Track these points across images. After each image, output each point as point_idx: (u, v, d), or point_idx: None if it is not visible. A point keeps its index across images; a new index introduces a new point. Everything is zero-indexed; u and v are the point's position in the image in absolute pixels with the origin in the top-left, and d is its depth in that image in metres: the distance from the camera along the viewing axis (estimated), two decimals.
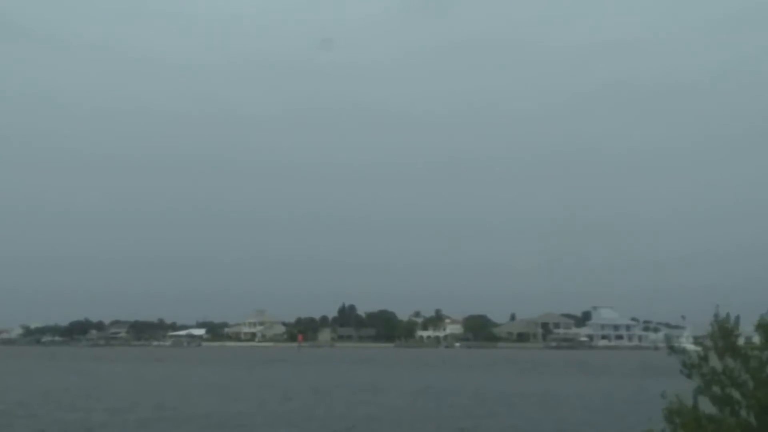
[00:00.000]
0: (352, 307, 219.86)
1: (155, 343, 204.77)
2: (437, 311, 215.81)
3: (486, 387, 58.89)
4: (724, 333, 9.71)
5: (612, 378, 72.85)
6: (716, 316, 9.92)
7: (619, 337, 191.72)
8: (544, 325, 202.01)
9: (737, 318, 9.93)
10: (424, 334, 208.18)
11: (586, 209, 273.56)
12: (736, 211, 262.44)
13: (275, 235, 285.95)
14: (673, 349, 10.19)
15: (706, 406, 9.34)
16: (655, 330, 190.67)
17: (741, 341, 9.76)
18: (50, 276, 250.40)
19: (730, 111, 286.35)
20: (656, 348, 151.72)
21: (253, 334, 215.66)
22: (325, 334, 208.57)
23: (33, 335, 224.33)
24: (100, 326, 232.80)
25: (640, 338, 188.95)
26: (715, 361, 9.55)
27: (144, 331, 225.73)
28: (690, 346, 10.37)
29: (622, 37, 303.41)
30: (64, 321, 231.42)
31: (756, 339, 9.67)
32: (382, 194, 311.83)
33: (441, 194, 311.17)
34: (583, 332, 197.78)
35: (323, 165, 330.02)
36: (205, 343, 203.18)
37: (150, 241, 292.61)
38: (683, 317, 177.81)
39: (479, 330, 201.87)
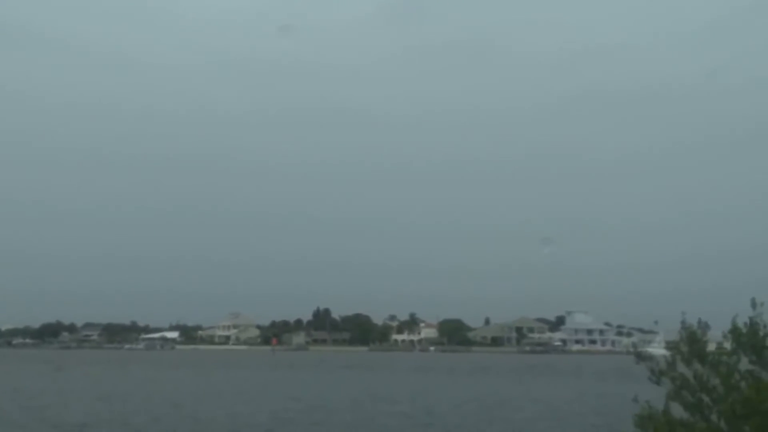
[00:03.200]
0: (326, 311, 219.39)
1: (128, 346, 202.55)
2: (412, 315, 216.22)
3: (469, 393, 58.94)
4: (691, 339, 9.79)
5: (585, 382, 73.22)
6: (683, 322, 10.00)
7: (593, 342, 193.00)
8: (519, 330, 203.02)
9: (704, 324, 10.02)
10: (399, 337, 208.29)
11: (561, 214, 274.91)
12: (713, 216, 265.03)
13: (250, 236, 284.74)
14: (640, 357, 10.25)
15: (677, 412, 9.40)
16: (629, 334, 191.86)
17: (712, 347, 9.85)
18: (21, 277, 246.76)
19: (715, 115, 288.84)
20: (629, 352, 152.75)
21: (227, 337, 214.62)
22: (299, 338, 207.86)
23: (3, 337, 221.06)
24: (72, 328, 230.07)
25: (613, 343, 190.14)
26: (683, 367, 9.63)
27: (117, 333, 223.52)
28: (662, 351, 10.43)
29: (606, 40, 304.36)
30: (35, 323, 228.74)
31: (727, 345, 9.76)
32: (358, 196, 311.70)
33: (417, 197, 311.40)
34: (557, 336, 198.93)
35: (300, 165, 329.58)
36: (178, 346, 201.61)
37: (123, 242, 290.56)
38: (656, 322, 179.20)
39: (454, 334, 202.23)
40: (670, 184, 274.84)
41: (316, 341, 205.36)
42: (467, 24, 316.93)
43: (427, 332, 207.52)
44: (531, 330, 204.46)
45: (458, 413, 42.07)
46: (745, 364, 9.39)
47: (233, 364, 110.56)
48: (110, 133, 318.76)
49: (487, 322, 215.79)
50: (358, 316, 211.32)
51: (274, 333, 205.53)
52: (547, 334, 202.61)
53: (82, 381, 69.45)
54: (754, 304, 9.51)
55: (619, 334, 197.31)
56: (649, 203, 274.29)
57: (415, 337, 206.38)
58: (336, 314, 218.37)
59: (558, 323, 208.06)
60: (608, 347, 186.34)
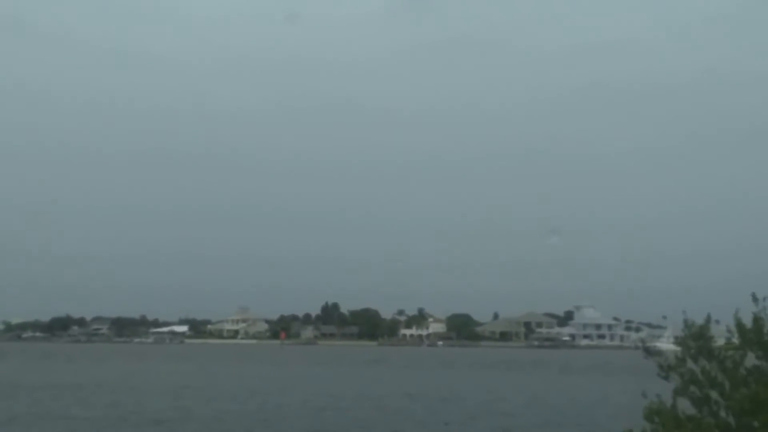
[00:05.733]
0: (335, 305, 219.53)
1: (137, 339, 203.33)
2: (420, 310, 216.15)
3: (478, 387, 58.96)
4: (696, 335, 9.80)
5: (595, 377, 73.12)
6: (686, 320, 9.99)
7: (601, 337, 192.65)
8: (527, 325, 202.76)
9: (709, 320, 10.01)
10: (408, 332, 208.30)
11: (568, 209, 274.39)
12: (719, 211, 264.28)
13: (259, 232, 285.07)
14: (648, 352, 10.28)
15: (685, 407, 9.44)
16: (637, 329, 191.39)
17: (720, 342, 9.87)
18: (32, 271, 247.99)
19: (713, 111, 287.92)
20: (637, 347, 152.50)
21: (236, 332, 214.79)
22: (307, 332, 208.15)
23: (14, 331, 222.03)
24: (81, 322, 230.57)
25: (621, 338, 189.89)
26: (691, 363, 9.65)
27: (126, 327, 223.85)
28: (671, 346, 10.45)
29: (605, 37, 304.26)
30: (45, 317, 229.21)
31: (735, 339, 9.77)
32: (366, 192, 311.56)
33: (425, 193, 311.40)
34: (565, 331, 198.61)
35: (309, 162, 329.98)
36: (187, 340, 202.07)
37: (133, 237, 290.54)
38: (664, 317, 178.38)
39: (462, 329, 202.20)
40: (678, 179, 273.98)
41: (324, 336, 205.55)
42: (472, 20, 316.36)
43: (435, 327, 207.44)
44: (539, 325, 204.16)
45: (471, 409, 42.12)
46: (751, 359, 9.41)
47: (246, 358, 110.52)
48: (118, 130, 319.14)
49: (495, 316, 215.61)
50: (366, 311, 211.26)
51: (283, 327, 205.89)
52: (556, 329, 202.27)
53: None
54: (755, 299, 9.52)
55: (628, 329, 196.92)
56: (656, 198, 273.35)
57: (423, 332, 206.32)
58: (344, 309, 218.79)
59: (566, 318, 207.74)
60: (617, 342, 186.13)
